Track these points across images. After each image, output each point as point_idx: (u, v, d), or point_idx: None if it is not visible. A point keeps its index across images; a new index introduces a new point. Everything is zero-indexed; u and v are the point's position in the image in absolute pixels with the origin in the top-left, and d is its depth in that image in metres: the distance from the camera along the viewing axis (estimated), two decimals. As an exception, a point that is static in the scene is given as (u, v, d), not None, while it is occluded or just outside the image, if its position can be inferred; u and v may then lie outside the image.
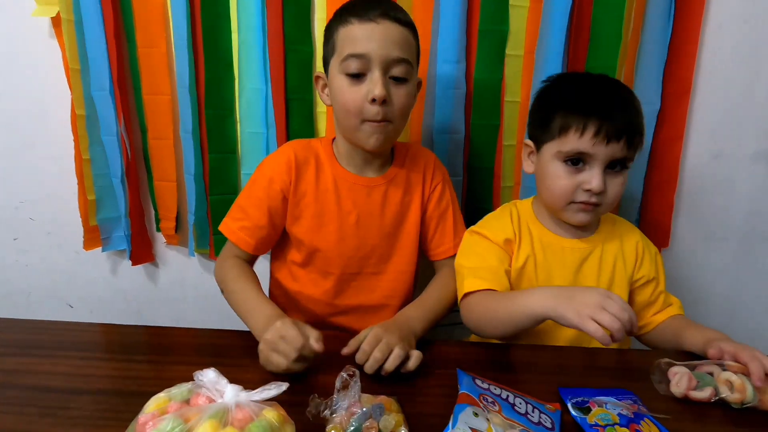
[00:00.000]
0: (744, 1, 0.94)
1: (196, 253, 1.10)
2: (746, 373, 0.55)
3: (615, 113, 0.65)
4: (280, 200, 0.76)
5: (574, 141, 0.66)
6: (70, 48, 0.96)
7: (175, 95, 1.00)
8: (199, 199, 1.03)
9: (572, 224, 0.74)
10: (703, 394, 0.54)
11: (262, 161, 0.80)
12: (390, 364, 0.56)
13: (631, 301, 0.77)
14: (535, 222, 0.78)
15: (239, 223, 0.76)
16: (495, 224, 0.77)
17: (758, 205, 1.06)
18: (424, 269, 0.88)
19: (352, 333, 0.80)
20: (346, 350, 0.60)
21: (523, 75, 0.97)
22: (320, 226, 0.76)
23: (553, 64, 0.92)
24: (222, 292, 0.74)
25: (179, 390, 0.46)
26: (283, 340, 0.56)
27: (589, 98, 0.68)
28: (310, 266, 0.79)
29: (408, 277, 0.81)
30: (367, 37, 0.66)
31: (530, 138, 0.76)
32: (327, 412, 0.48)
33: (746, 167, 1.04)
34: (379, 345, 0.57)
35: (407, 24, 0.70)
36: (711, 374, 0.56)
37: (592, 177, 0.66)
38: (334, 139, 0.81)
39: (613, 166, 0.68)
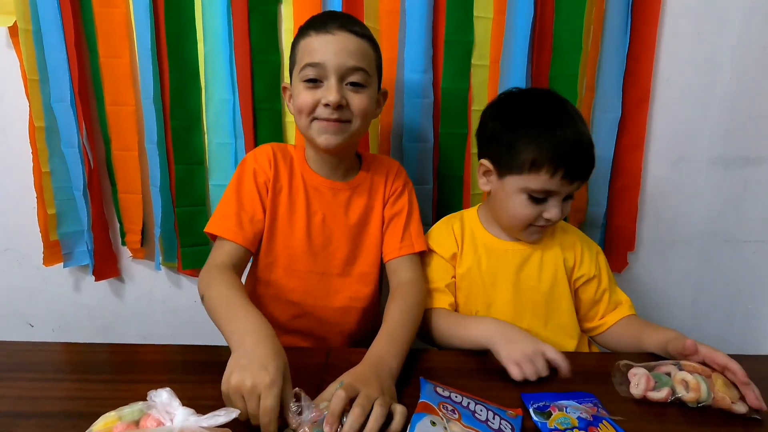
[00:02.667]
0: (697, 14, 0.99)
1: (163, 267, 1.07)
2: (701, 373, 0.56)
3: (583, 155, 0.70)
4: (266, 192, 0.76)
5: (544, 180, 0.69)
6: (28, 58, 0.93)
7: (140, 106, 0.98)
8: (166, 211, 1.01)
9: (525, 241, 0.79)
10: (660, 394, 0.55)
11: (243, 160, 0.79)
12: (372, 429, 0.46)
13: (576, 299, 0.81)
14: (481, 229, 0.82)
15: (233, 219, 0.73)
16: (441, 239, 0.82)
17: (718, 209, 1.10)
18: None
19: (317, 337, 0.81)
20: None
21: (489, 84, 0.99)
22: (290, 223, 0.78)
23: (517, 73, 0.95)
24: (202, 299, 0.66)
25: (131, 410, 0.45)
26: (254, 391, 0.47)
27: (560, 137, 0.69)
28: (277, 264, 0.78)
29: (372, 279, 0.82)
30: (323, 47, 0.69)
31: (488, 159, 0.76)
32: None
33: (705, 172, 1.08)
34: (357, 400, 0.48)
35: (364, 36, 0.72)
36: (669, 374, 0.57)
37: (553, 208, 0.71)
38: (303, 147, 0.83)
39: (568, 195, 0.73)
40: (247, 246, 0.73)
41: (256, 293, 0.81)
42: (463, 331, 0.69)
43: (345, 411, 0.47)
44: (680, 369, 0.57)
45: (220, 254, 0.72)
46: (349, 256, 0.80)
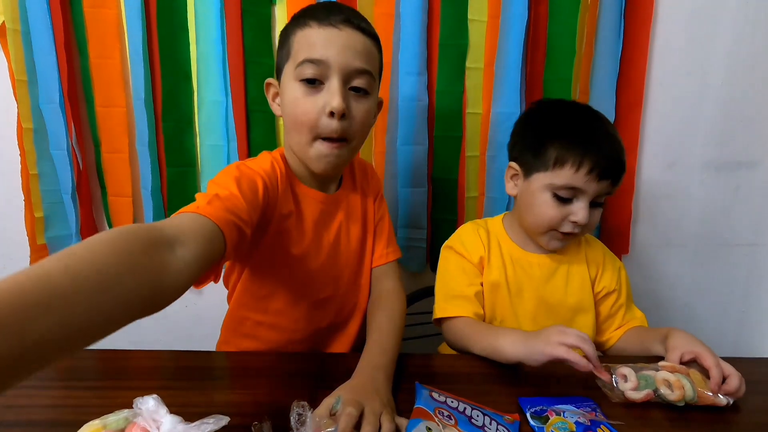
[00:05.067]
0: (689, 19, 1.00)
1: (153, 271, 1.05)
2: (681, 372, 0.56)
3: (610, 152, 0.68)
4: (270, 190, 0.60)
5: (569, 176, 0.67)
6: (16, 59, 0.92)
7: (131, 107, 0.97)
8: (157, 215, 1.00)
9: (544, 248, 0.76)
10: (639, 394, 0.54)
11: (238, 162, 0.63)
12: None
13: (596, 314, 0.79)
14: (506, 238, 0.79)
15: (218, 203, 0.50)
16: (469, 242, 0.78)
17: (711, 212, 1.11)
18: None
19: (310, 349, 0.77)
20: None
21: (483, 87, 0.99)
22: (296, 257, 0.68)
23: (512, 76, 0.95)
24: None
25: (116, 418, 0.44)
26: None
27: (586, 134, 0.69)
28: (281, 294, 0.70)
29: (367, 290, 0.78)
30: (326, 42, 0.59)
31: (516, 162, 0.75)
32: None
33: (698, 176, 1.08)
34: (366, 418, 0.46)
35: (371, 35, 0.63)
36: (652, 375, 0.57)
37: (579, 210, 0.68)
38: (282, 155, 0.70)
39: (597, 200, 0.70)
40: (229, 241, 0.49)
41: (251, 323, 0.73)
42: (488, 344, 0.63)
43: None
44: (658, 370, 0.57)
45: (173, 217, 0.48)
46: (356, 271, 0.75)
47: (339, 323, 0.77)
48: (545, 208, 0.70)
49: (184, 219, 0.46)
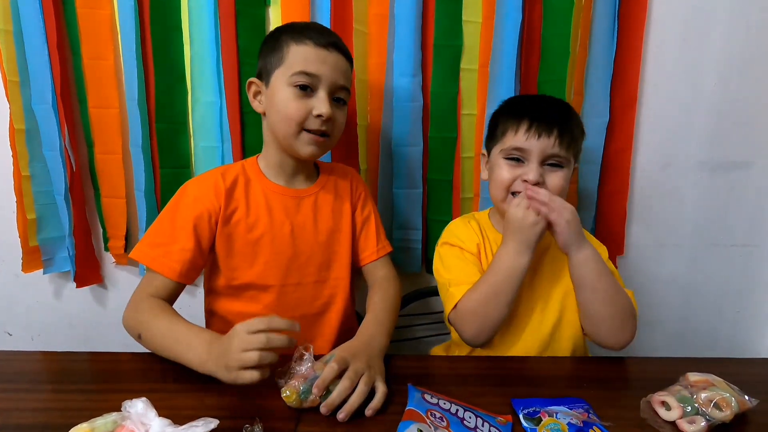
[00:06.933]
0: (682, 21, 1.00)
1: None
2: (712, 384, 0.55)
3: (545, 113, 0.75)
4: (206, 221, 0.73)
5: (511, 139, 0.75)
6: (8, 60, 0.91)
7: (124, 108, 0.96)
8: (151, 215, 0.99)
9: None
10: (697, 427, 0.51)
11: (184, 185, 0.76)
12: (353, 403, 0.53)
13: None
14: (493, 230, 0.83)
15: (161, 249, 0.71)
16: (464, 235, 0.81)
17: (705, 213, 1.11)
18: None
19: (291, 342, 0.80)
20: (316, 390, 0.53)
21: (478, 88, 0.99)
22: (254, 240, 0.76)
23: (506, 78, 0.95)
24: (139, 338, 0.66)
25: (104, 421, 0.43)
26: (254, 335, 0.52)
27: (523, 104, 0.79)
28: (248, 283, 0.77)
29: (346, 282, 0.83)
30: (320, 60, 0.72)
31: (485, 149, 0.83)
32: (282, 381, 0.54)
33: (693, 176, 1.09)
34: (347, 373, 0.55)
35: (350, 58, 0.78)
36: (690, 395, 0.54)
37: (530, 170, 0.73)
38: (257, 158, 0.81)
39: (552, 164, 0.74)
40: (175, 278, 0.70)
41: (226, 315, 0.79)
42: (496, 265, 0.71)
43: (311, 373, 0.55)
44: (687, 387, 0.55)
45: (151, 285, 0.70)
46: (324, 263, 0.81)
47: (315, 314, 0.81)
48: (499, 174, 0.76)
49: (171, 288, 0.71)
